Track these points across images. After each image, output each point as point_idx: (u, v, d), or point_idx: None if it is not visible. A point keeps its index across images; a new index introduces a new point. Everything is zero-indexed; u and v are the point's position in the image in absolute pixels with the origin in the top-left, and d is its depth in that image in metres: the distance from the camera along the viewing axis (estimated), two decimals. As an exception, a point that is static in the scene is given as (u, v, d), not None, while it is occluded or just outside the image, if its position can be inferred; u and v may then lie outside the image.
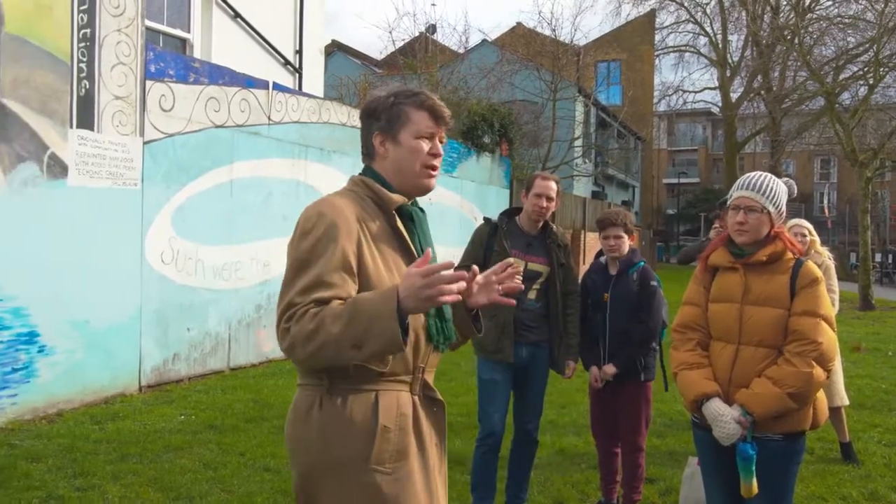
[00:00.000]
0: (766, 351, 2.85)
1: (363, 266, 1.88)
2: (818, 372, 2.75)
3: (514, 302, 2.17)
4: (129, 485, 4.52)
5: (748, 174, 3.03)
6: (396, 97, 2.04)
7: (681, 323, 3.12)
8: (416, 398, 1.99)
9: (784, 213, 3.00)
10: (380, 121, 2.04)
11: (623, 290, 4.23)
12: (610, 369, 4.18)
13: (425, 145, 2.02)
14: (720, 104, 32.18)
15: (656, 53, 33.81)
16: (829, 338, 2.80)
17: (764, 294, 2.88)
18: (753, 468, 2.80)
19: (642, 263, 4.31)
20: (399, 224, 2.01)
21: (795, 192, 4.60)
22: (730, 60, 30.39)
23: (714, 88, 32.00)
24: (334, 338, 1.72)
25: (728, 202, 3.05)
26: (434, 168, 2.05)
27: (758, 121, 30.79)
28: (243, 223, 8.31)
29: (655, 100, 34.36)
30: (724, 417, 2.83)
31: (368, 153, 2.08)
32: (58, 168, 6.15)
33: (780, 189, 2.96)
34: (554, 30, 24.11)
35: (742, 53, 30.41)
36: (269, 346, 8.75)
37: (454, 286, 1.70)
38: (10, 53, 5.78)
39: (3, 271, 5.70)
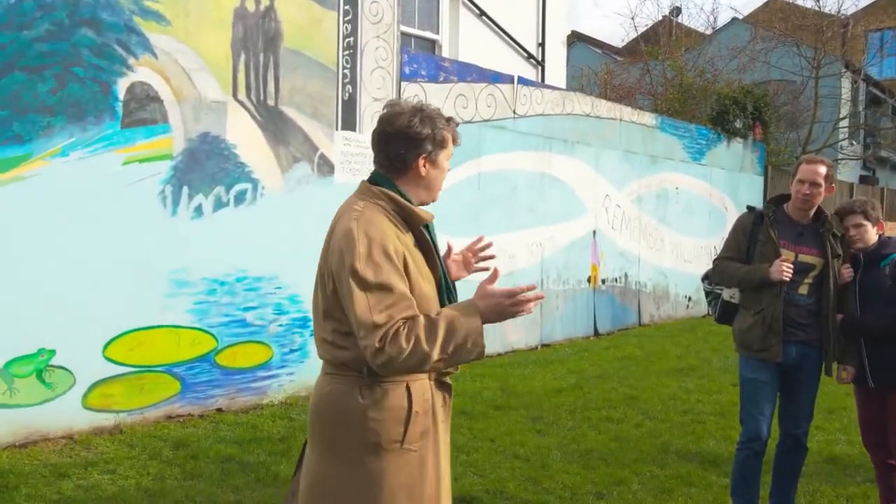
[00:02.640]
0: None
1: (409, 277, 2.15)
2: None
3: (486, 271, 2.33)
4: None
5: None
6: (434, 122, 2.23)
7: None
8: (432, 384, 2.28)
9: None
10: (427, 144, 2.24)
11: (872, 283, 3.80)
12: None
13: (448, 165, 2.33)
14: None
15: (943, 17, 29.69)
16: None
17: None
18: None
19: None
20: (427, 236, 2.27)
21: None
22: None
23: None
24: (427, 355, 2.00)
25: None
26: None
27: None
28: (490, 216, 8.54)
29: (941, 70, 30.14)
30: None
31: (399, 168, 2.27)
32: (326, 167, 6.73)
33: None
34: (817, 0, 22.02)
35: None
36: (515, 337, 8.92)
37: (532, 304, 2.04)
38: (287, 65, 6.42)
39: (282, 262, 6.36)
